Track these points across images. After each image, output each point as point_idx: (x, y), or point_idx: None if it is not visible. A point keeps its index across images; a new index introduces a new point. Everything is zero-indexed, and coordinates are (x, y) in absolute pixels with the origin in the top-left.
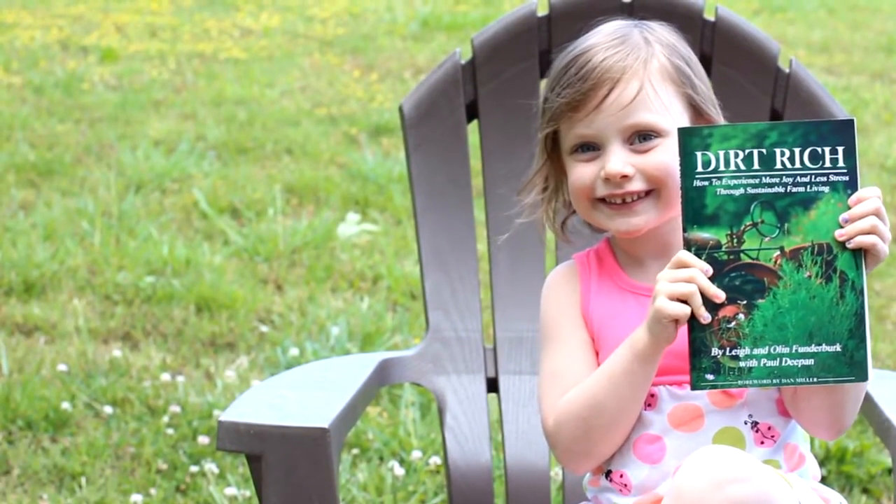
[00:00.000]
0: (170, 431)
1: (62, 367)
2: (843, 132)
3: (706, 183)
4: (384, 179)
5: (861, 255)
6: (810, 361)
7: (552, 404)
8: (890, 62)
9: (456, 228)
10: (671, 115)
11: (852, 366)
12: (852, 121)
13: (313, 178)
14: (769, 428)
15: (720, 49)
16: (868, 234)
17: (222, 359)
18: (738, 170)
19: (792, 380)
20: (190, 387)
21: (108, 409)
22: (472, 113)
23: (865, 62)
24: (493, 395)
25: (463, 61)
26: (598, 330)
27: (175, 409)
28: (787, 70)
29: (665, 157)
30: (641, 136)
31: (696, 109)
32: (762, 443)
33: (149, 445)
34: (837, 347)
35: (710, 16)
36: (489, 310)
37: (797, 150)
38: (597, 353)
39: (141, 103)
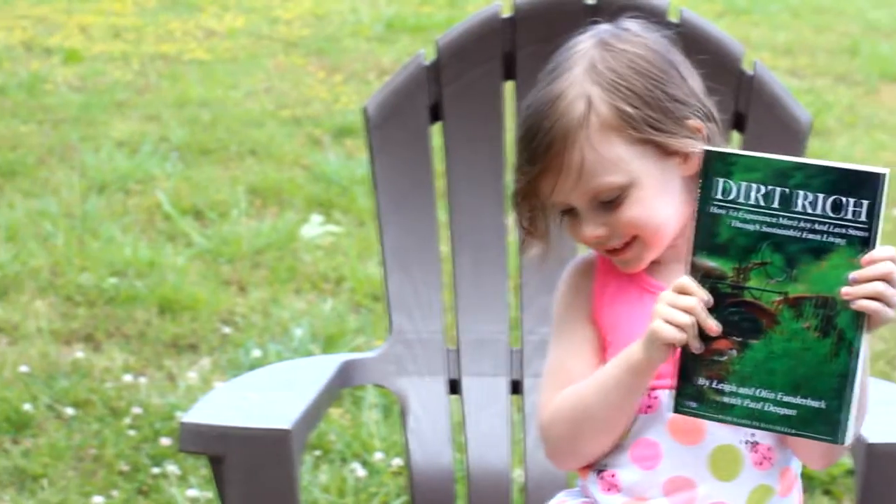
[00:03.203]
0: (132, 433)
1: (24, 369)
2: (871, 185)
3: (722, 212)
4: (348, 181)
5: (864, 316)
6: (792, 412)
7: (548, 400)
8: (853, 65)
9: (419, 230)
10: (624, 167)
11: (830, 426)
12: (883, 175)
13: (277, 180)
14: (768, 449)
15: (683, 51)
16: (873, 299)
17: (185, 360)
18: (757, 205)
19: (771, 426)
20: (152, 388)
21: (69, 411)
22: (435, 114)
23: (829, 64)
24: (455, 396)
25: (427, 63)
26: (611, 327)
27: (137, 410)
28: (750, 72)
29: (632, 210)
30: (604, 196)
31: (657, 143)
32: (759, 464)
33: (110, 447)
34: (821, 404)
35: (673, 18)
36: (452, 311)
37: (820, 196)
38: (605, 350)
39: (104, 104)
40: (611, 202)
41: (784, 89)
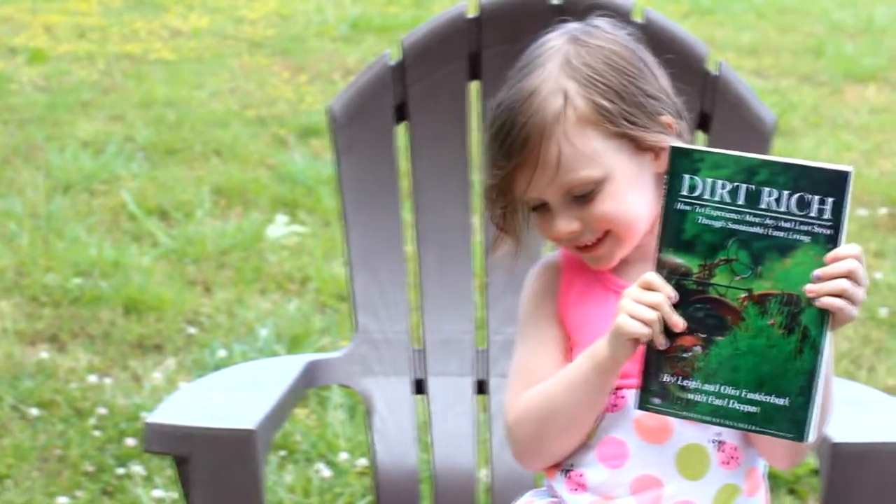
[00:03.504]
0: (97, 433)
1: None
2: (836, 183)
3: (689, 208)
4: (313, 181)
5: (828, 313)
6: (755, 409)
7: (514, 399)
8: (818, 65)
9: (384, 230)
10: (600, 161)
11: (794, 423)
12: (848, 173)
13: (242, 180)
14: (734, 448)
15: (648, 51)
16: (837, 296)
17: (150, 360)
18: (723, 202)
19: (733, 423)
20: (117, 389)
21: (34, 412)
22: (401, 114)
23: (794, 65)
24: (420, 396)
25: (392, 63)
26: (576, 327)
27: (102, 411)
28: (715, 73)
29: (606, 204)
30: (579, 190)
31: (632, 138)
32: (726, 463)
33: (75, 447)
34: (785, 402)
35: (638, 18)
36: (418, 311)
37: (786, 193)
38: (571, 350)
39: (69, 104)
40: (584, 197)
41: (749, 89)
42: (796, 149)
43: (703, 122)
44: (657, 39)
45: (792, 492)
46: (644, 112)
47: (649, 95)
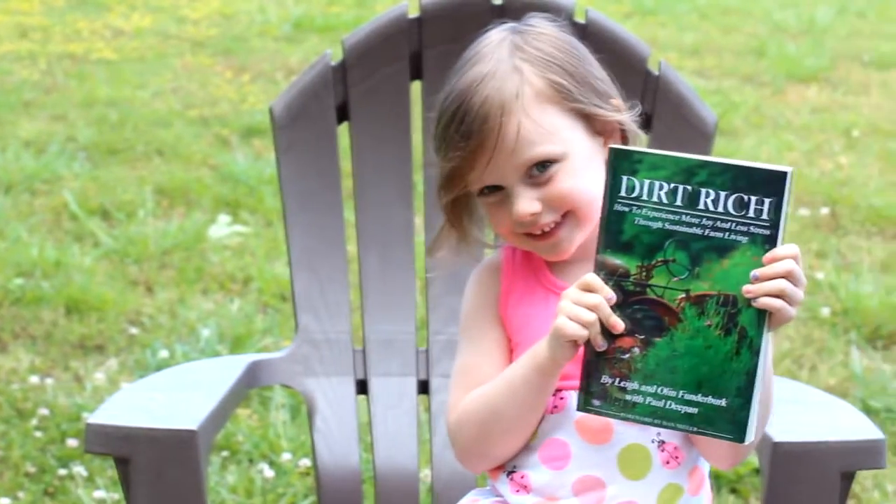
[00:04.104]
0: (38, 434)
1: None
2: (775, 184)
3: (627, 209)
4: (255, 181)
5: (766, 314)
6: (694, 410)
7: (456, 401)
8: (760, 65)
9: (326, 230)
10: (560, 137)
11: (733, 424)
12: (786, 173)
13: (184, 180)
14: (675, 448)
15: (590, 51)
16: (775, 296)
17: (91, 361)
18: (661, 203)
19: (673, 424)
20: (59, 389)
21: None
22: (342, 114)
23: (736, 65)
24: (362, 396)
25: (334, 63)
26: (516, 328)
27: (43, 411)
28: (656, 73)
29: (566, 182)
30: (538, 167)
31: (586, 116)
32: (668, 463)
33: (17, 448)
34: (723, 402)
35: (580, 18)
36: (359, 311)
37: (723, 194)
38: (512, 351)
39: (11, 104)
40: (544, 175)
41: (690, 89)
42: (738, 148)
43: (644, 122)
44: (599, 39)
45: (734, 491)
46: (594, 92)
47: (598, 78)
